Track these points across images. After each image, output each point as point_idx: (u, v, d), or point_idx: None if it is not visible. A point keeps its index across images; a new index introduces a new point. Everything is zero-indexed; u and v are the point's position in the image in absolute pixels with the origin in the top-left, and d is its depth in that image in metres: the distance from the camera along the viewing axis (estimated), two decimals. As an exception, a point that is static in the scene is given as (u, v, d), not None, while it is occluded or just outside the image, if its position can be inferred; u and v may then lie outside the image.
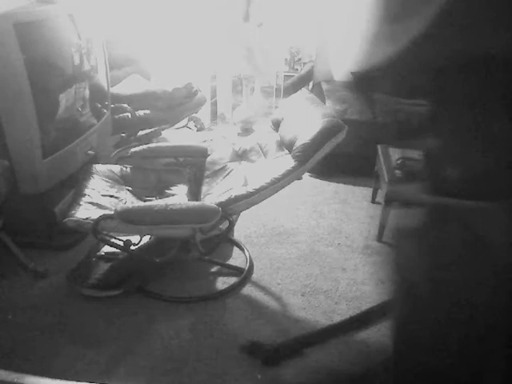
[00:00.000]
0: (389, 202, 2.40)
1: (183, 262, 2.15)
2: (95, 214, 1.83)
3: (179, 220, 1.79)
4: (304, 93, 2.48)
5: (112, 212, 1.76)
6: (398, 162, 2.51)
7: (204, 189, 2.18)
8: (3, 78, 1.92)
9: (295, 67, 4.34)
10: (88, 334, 1.80)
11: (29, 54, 1.95)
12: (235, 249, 2.38)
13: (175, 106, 3.35)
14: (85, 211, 1.87)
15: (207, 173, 2.28)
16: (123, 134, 3.25)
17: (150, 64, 3.93)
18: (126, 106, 3.08)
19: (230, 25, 3.98)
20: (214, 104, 4.22)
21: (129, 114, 3.08)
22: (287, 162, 1.97)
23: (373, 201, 2.90)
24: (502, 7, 0.66)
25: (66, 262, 2.16)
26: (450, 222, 0.77)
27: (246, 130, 3.89)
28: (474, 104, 0.73)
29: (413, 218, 0.86)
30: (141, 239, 1.95)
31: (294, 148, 1.99)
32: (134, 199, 2.14)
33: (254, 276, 2.17)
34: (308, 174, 3.20)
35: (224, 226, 1.94)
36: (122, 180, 2.24)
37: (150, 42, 3.90)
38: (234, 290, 2.06)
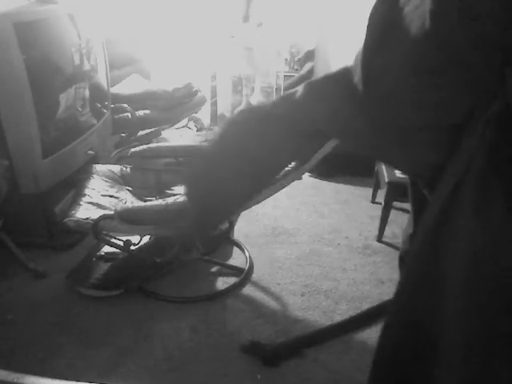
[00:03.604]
0: (389, 202, 2.40)
1: (183, 262, 2.15)
2: (95, 213, 1.83)
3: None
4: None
5: (112, 212, 1.76)
6: (398, 162, 2.50)
7: (204, 189, 2.18)
8: (3, 77, 1.92)
9: (295, 67, 4.33)
10: (88, 334, 1.80)
11: (29, 53, 1.95)
12: (235, 249, 2.38)
13: (175, 105, 3.35)
14: (85, 211, 1.87)
15: (207, 173, 2.27)
16: (123, 134, 3.25)
17: (150, 64, 3.93)
18: (125, 106, 3.08)
19: (229, 25, 3.97)
20: (214, 104, 4.22)
21: (129, 114, 3.08)
22: (287, 162, 1.97)
23: (373, 201, 2.90)
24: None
25: (66, 262, 2.16)
26: None
27: (246, 130, 3.89)
28: None
29: None
30: (141, 239, 1.95)
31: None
32: (133, 199, 2.14)
33: (254, 276, 2.17)
34: (308, 173, 3.20)
35: (224, 226, 1.94)
36: (121, 180, 2.24)
37: (151, 42, 3.90)
38: (234, 290, 2.06)
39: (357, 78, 0.70)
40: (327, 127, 0.77)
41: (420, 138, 0.67)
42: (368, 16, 0.67)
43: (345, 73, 0.76)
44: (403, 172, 0.99)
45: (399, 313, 0.72)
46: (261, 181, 1.01)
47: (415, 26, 0.60)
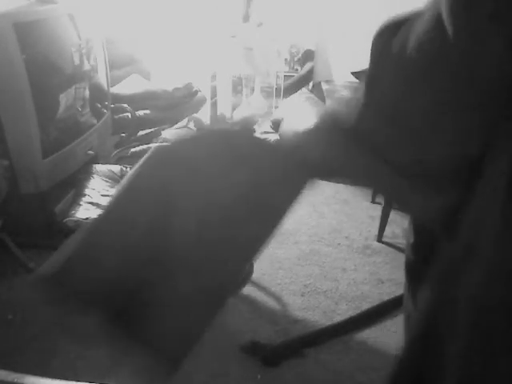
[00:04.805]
0: (389, 201, 2.40)
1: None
2: (95, 214, 1.83)
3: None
4: (304, 93, 2.48)
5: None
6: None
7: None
8: (3, 77, 1.92)
9: (295, 67, 4.34)
10: (88, 334, 1.80)
11: (29, 53, 1.95)
12: (235, 249, 2.37)
13: (175, 105, 3.35)
14: (85, 211, 1.88)
15: (207, 173, 2.28)
16: (123, 134, 3.25)
17: (150, 64, 3.93)
18: (125, 106, 3.08)
19: (229, 25, 3.97)
20: (214, 104, 4.22)
21: (129, 114, 3.08)
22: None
23: (373, 201, 2.89)
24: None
25: (66, 262, 2.15)
26: None
27: (246, 130, 3.88)
28: None
29: None
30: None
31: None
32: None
33: (254, 276, 2.17)
34: (308, 174, 3.20)
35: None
36: (121, 180, 2.24)
37: (151, 42, 3.90)
38: (233, 290, 2.06)
39: (347, 115, 0.69)
40: (338, 162, 0.75)
41: (420, 177, 0.65)
42: (371, 43, 0.66)
43: (330, 117, 0.75)
44: (418, 219, 0.91)
45: (423, 326, 0.71)
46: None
47: (425, 49, 0.58)
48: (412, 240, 0.94)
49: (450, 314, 0.65)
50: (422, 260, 0.77)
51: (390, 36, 0.63)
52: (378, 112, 0.66)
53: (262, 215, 0.81)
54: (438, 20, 0.57)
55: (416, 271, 0.83)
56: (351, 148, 0.70)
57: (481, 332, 0.60)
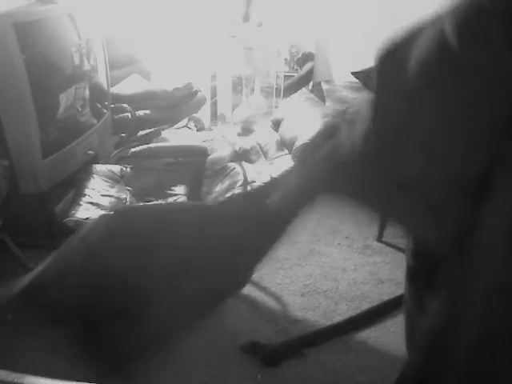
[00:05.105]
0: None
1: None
2: (95, 213, 1.83)
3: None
4: (304, 93, 2.48)
5: (112, 212, 1.76)
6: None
7: (204, 189, 2.19)
8: (3, 77, 1.92)
9: (295, 67, 4.34)
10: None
11: (29, 53, 1.95)
12: (235, 249, 2.37)
13: (175, 105, 3.35)
14: (85, 211, 1.88)
15: (207, 173, 2.28)
16: (123, 134, 3.26)
17: (150, 64, 3.93)
18: (125, 106, 3.08)
19: (229, 25, 3.97)
20: (214, 104, 4.22)
21: (129, 114, 3.08)
22: (287, 162, 1.97)
23: (373, 201, 2.89)
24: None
25: (66, 262, 2.15)
26: None
27: (246, 130, 3.89)
28: None
29: None
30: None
31: (293, 148, 1.99)
32: (133, 199, 2.14)
33: (254, 276, 2.17)
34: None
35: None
36: (121, 180, 2.24)
37: (151, 42, 3.90)
38: (233, 290, 2.06)
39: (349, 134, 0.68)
40: (347, 190, 0.74)
41: (427, 199, 0.65)
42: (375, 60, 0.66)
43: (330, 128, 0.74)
44: (425, 243, 0.88)
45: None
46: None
47: (430, 65, 0.58)
48: (412, 246, 0.94)
49: (457, 332, 0.65)
50: (423, 266, 0.77)
51: (392, 56, 0.63)
52: (385, 127, 0.65)
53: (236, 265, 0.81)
54: (441, 36, 0.57)
55: (418, 277, 0.82)
56: (358, 176, 0.69)
57: (483, 333, 0.61)
